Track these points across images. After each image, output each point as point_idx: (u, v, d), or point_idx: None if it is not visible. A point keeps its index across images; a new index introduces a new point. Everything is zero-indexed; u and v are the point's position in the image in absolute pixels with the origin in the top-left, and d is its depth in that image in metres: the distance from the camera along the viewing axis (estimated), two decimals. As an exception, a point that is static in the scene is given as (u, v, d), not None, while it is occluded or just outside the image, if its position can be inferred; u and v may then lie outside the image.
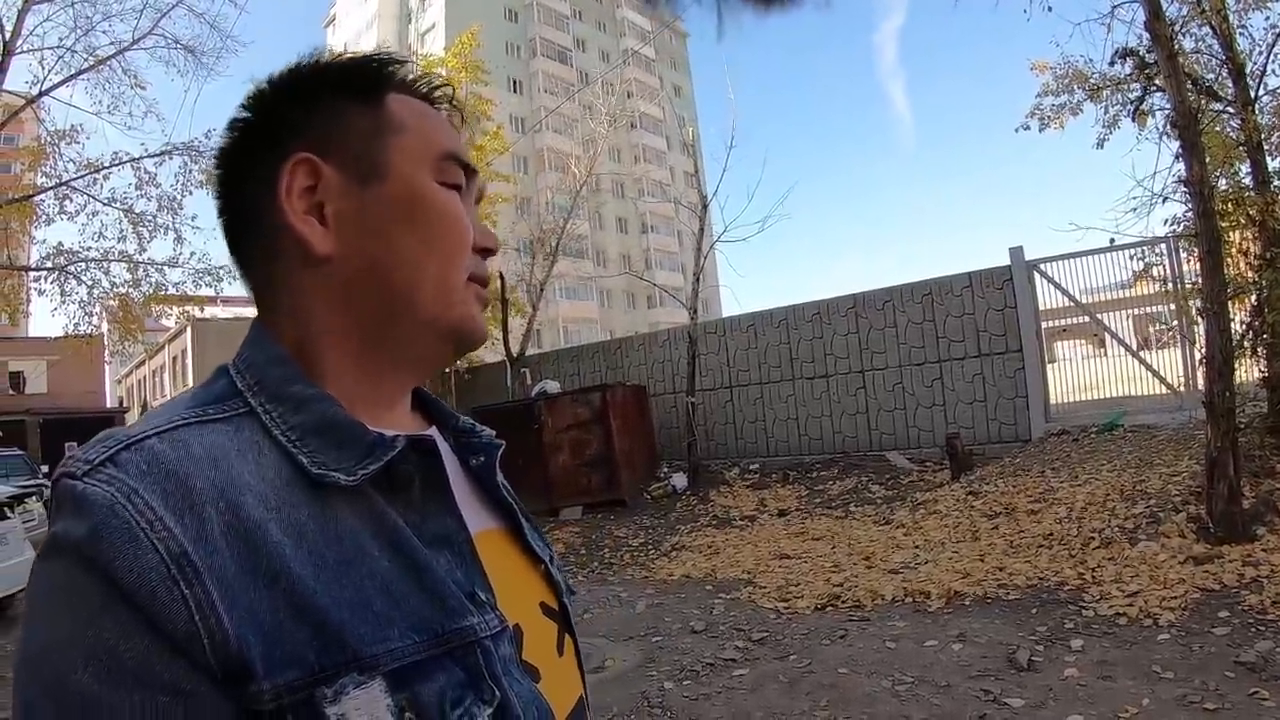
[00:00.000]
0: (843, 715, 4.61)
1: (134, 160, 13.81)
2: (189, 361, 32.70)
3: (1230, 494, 6.24)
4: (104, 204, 13.79)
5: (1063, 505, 7.74)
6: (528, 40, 56.14)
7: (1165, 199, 7.35)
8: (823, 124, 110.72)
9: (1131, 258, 9.86)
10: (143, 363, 40.27)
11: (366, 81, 0.71)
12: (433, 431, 0.75)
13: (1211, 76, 8.35)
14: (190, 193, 14.15)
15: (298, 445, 0.60)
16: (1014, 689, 4.71)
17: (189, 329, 30.99)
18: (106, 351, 16.70)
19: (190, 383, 31.65)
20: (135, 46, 13.49)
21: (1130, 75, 8.34)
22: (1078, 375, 11.55)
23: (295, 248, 0.66)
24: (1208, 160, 8.10)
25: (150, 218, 14.07)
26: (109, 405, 34.60)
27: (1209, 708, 4.11)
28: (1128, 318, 11.23)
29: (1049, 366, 11.69)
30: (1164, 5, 6.75)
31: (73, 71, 13.08)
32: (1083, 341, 12.51)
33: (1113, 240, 8.37)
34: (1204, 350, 6.51)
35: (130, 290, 14.38)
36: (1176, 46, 6.51)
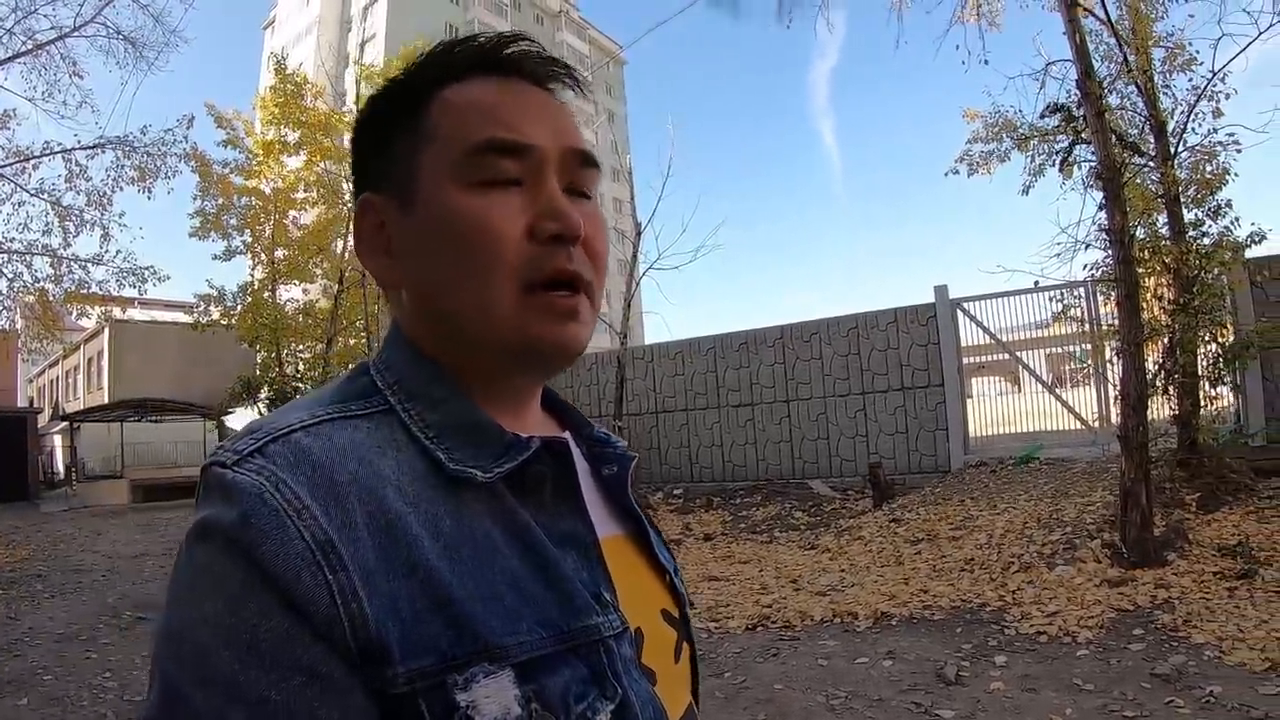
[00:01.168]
0: (782, 727, 4.60)
1: (65, 151, 13.23)
2: (105, 364, 31.33)
3: (1143, 522, 6.52)
4: (31, 194, 13.16)
5: (983, 532, 7.96)
6: (467, 59, 56.18)
7: (1087, 246, 7.73)
8: (756, 158, 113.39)
9: (1051, 299, 10.33)
10: (57, 362, 38.15)
11: (407, 97, 0.68)
12: (566, 436, 0.72)
13: (1135, 132, 8.88)
14: (120, 189, 13.62)
15: (435, 442, 0.60)
16: (944, 701, 4.79)
17: (107, 330, 29.59)
18: (21, 349, 15.73)
19: (105, 385, 30.40)
20: (76, 33, 12.95)
21: (1058, 128, 8.81)
22: (995, 410, 11.97)
23: (374, 279, 0.70)
24: (1129, 211, 8.60)
25: (78, 212, 13.47)
26: (19, 404, 32.37)
27: (1129, 715, 4.26)
28: (1043, 356, 11.70)
29: (968, 402, 12.10)
30: (1095, 64, 7.16)
31: (9, 54, 12.52)
32: (999, 378, 12.99)
33: (1037, 283, 8.78)
34: (1120, 388, 6.82)
35: (51, 286, 13.73)
36: (1104, 104, 6.89)
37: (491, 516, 0.59)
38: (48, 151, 13.17)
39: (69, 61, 13.22)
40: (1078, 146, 8.01)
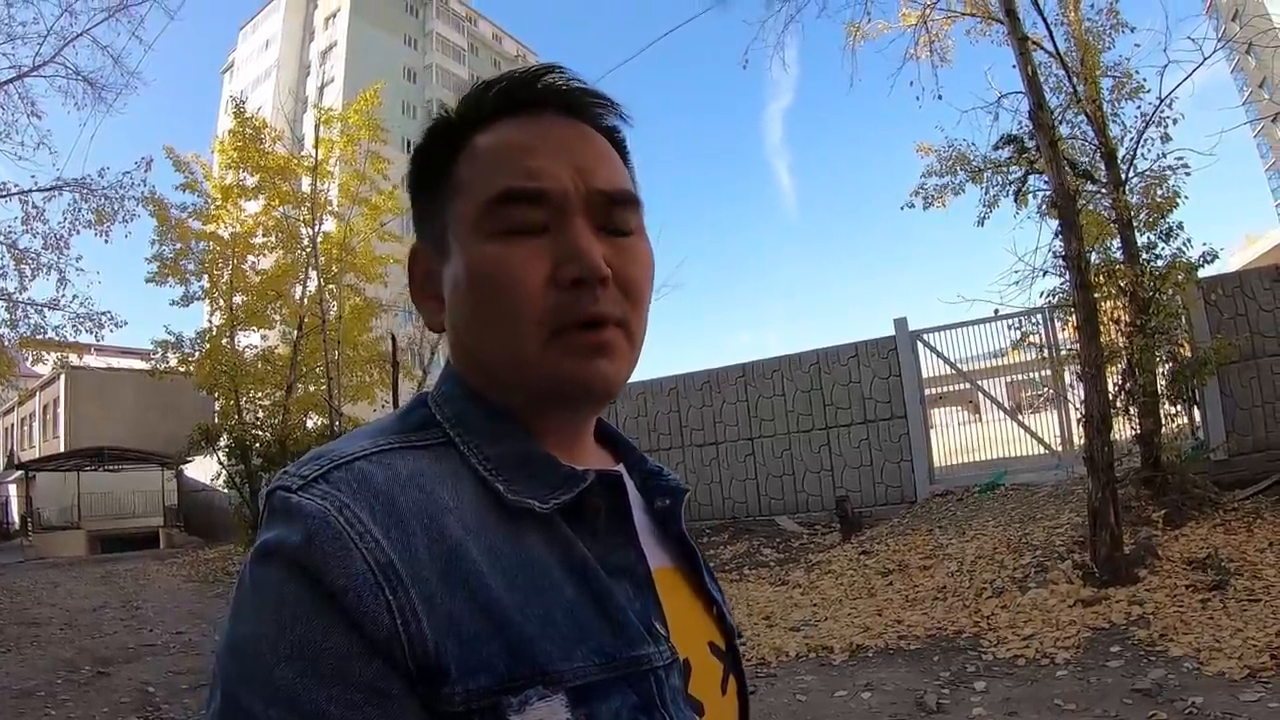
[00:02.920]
0: (764, 764, 4.45)
1: (22, 193, 12.83)
2: (61, 411, 30.45)
3: (1113, 540, 6.54)
4: None
5: (953, 560, 7.92)
6: (424, 102, 55.98)
7: (1045, 273, 7.84)
8: (713, 197, 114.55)
9: (1010, 327, 10.45)
10: (11, 410, 36.98)
11: (442, 146, 0.70)
12: (620, 469, 0.74)
13: (1086, 160, 9.08)
14: (78, 232, 13.23)
15: (494, 474, 0.61)
16: (926, 730, 4.67)
17: (63, 377, 28.97)
18: None
19: (62, 433, 29.53)
20: (35, 73, 12.66)
21: (1011, 159, 9.00)
22: (958, 439, 12.00)
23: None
24: (1084, 237, 8.76)
25: (34, 255, 13.02)
26: None
27: None
28: (1003, 384, 11.79)
29: (931, 432, 12.15)
30: (1045, 95, 7.32)
31: None
32: (959, 408, 13.06)
33: (996, 311, 8.87)
34: (1083, 410, 6.86)
35: (6, 330, 13.27)
36: (1056, 134, 7.04)
37: (548, 546, 0.60)
38: (4, 193, 12.80)
39: (27, 101, 12.85)
40: (1031, 176, 8.14)
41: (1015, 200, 8.09)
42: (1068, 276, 6.85)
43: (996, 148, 8.05)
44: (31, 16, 15.85)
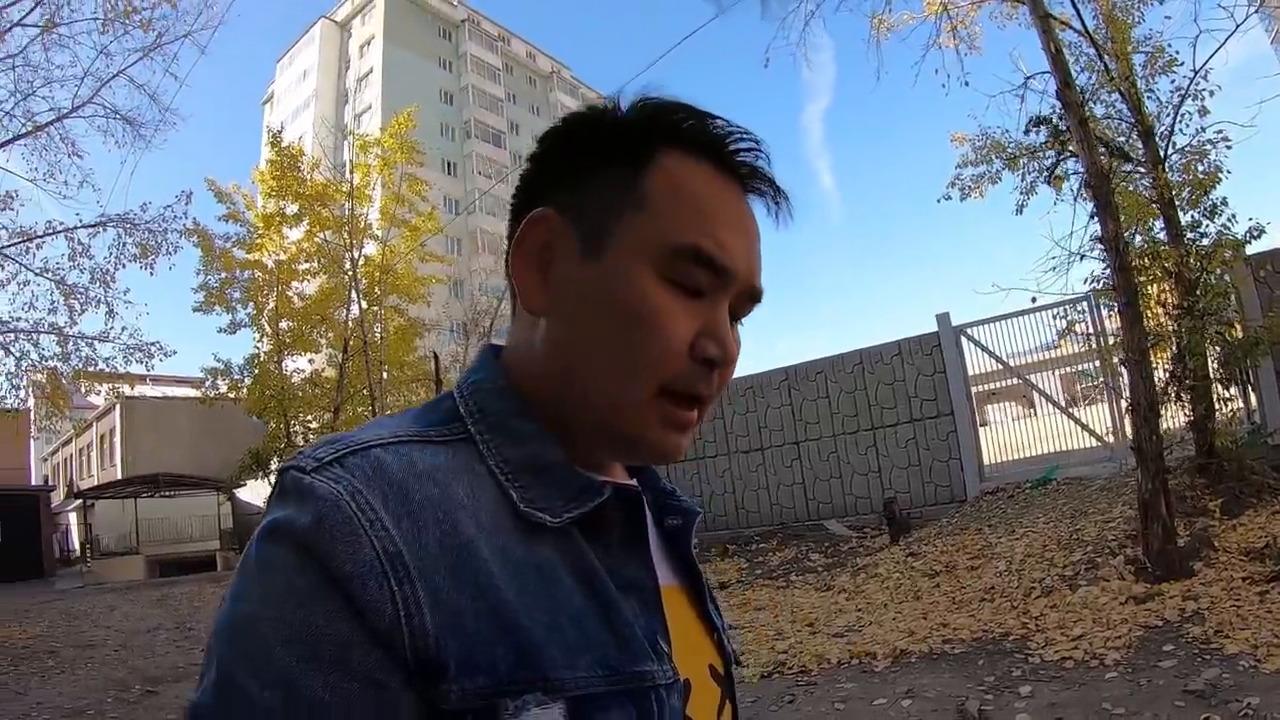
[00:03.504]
0: (794, 776, 4.35)
1: (68, 230, 13.32)
2: (117, 440, 31.50)
3: (1165, 533, 6.27)
4: (35, 274, 13.20)
5: (1001, 559, 7.69)
6: (462, 123, 56.93)
7: (1083, 256, 7.58)
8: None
9: (1055, 316, 10.12)
10: (70, 440, 38.43)
11: (634, 142, 0.66)
12: (633, 482, 0.74)
13: (1123, 139, 8.79)
14: (123, 266, 13.68)
15: (510, 479, 0.61)
16: (967, 738, 4.53)
17: (118, 407, 29.84)
18: (33, 427, 15.75)
19: (119, 462, 30.38)
20: (74, 114, 13.12)
21: (1045, 143, 8.74)
22: (1010, 435, 11.68)
23: (519, 294, 0.68)
24: (1123, 219, 8.46)
25: (82, 290, 13.48)
26: (34, 483, 32.56)
27: None
28: (1055, 376, 11.43)
29: (982, 429, 11.86)
30: (1074, 74, 7.10)
31: (10, 136, 12.67)
32: (1013, 403, 12.73)
33: (1034, 299, 8.60)
34: (1129, 398, 6.61)
35: (59, 364, 13.70)
36: (1087, 112, 6.83)
37: (560, 553, 0.60)
38: (50, 231, 13.23)
39: (68, 142, 13.31)
40: (1065, 158, 7.88)
41: (1049, 184, 7.83)
42: (1107, 259, 6.59)
43: (1026, 131, 7.82)
44: (68, 59, 16.40)
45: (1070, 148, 7.77)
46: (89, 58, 13.72)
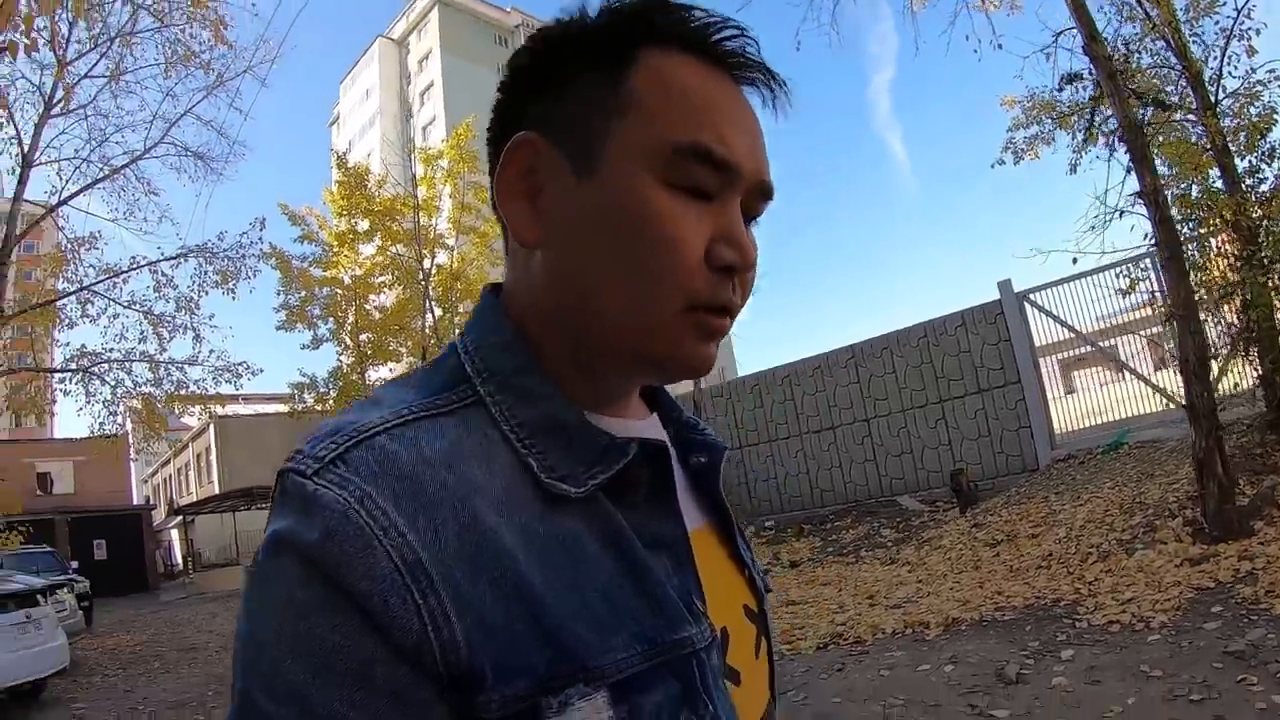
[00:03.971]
0: (833, 741, 4.55)
1: (151, 264, 14.38)
2: (213, 458, 33.19)
3: (1221, 493, 6.17)
4: (124, 306, 14.30)
5: (1063, 526, 7.64)
6: (527, 125, 58.10)
7: (1122, 213, 7.40)
8: (825, 181, 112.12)
9: (1118, 275, 9.86)
10: (168, 461, 40.87)
11: (609, 40, 0.60)
12: (654, 420, 0.72)
13: (1171, 87, 8.53)
14: (206, 293, 14.67)
15: (527, 444, 0.57)
16: (1002, 701, 4.64)
17: (212, 427, 31.43)
18: (131, 450, 16.95)
19: (215, 479, 32.01)
20: (147, 155, 14.19)
21: (1094, 98, 8.52)
22: (1090, 402, 11.41)
23: (510, 228, 0.63)
24: (1176, 169, 8.23)
25: (169, 318, 14.58)
26: (135, 503, 34.87)
27: (1194, 699, 4.04)
28: (1139, 339, 11.05)
29: (1070, 397, 11.65)
30: (1100, 27, 6.97)
31: (89, 181, 13.77)
32: (1100, 369, 12.36)
33: (1075, 260, 8.40)
34: (1179, 355, 6.50)
35: (152, 389, 14.73)
36: (1116, 65, 6.71)
37: (584, 521, 0.57)
38: (135, 266, 14.31)
39: (144, 182, 14.44)
40: (1101, 113, 7.69)
41: (1086, 139, 7.65)
42: (1147, 213, 6.46)
43: (1060, 88, 7.65)
44: (136, 104, 17.64)
45: (1101, 102, 7.57)
46: (156, 100, 14.88)
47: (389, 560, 0.48)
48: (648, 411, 0.72)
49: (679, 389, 15.96)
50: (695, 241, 0.58)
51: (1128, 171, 7.00)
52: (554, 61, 0.62)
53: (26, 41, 5.55)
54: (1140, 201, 6.51)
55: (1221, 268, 7.93)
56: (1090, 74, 6.93)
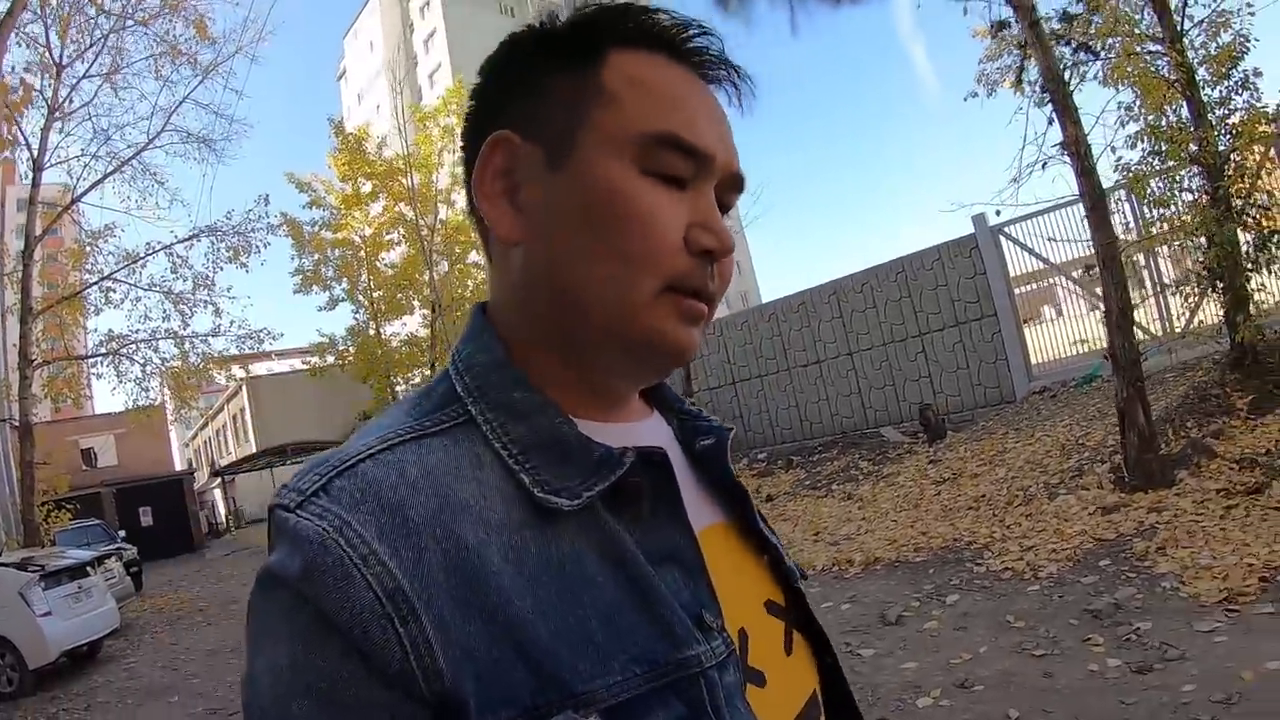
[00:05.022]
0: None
1: (165, 248, 15.34)
2: (248, 418, 34.24)
3: (1142, 442, 6.20)
4: (144, 290, 15.34)
5: (1005, 466, 7.77)
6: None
7: (1044, 164, 7.23)
8: (852, 102, 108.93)
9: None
10: (206, 424, 42.39)
11: (579, 41, 0.62)
12: (656, 419, 0.72)
13: (1138, 15, 8.16)
14: (220, 269, 15.65)
15: (520, 461, 0.57)
16: (874, 641, 4.96)
17: (244, 388, 32.62)
18: (170, 416, 18.15)
19: (252, 437, 33.27)
20: (151, 146, 15.06)
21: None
22: (1062, 332, 11.28)
23: (491, 228, 0.64)
24: (1139, 105, 7.94)
25: (188, 296, 15.55)
26: (178, 468, 36.66)
27: (1037, 654, 4.29)
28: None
29: (1041, 326, 11.55)
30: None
31: (98, 176, 14.64)
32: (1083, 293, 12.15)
33: (998, 211, 8.24)
34: (1104, 305, 6.45)
35: (180, 363, 15.75)
36: (1036, 13, 6.52)
37: (584, 537, 0.56)
38: (150, 251, 15.32)
39: (151, 172, 15.34)
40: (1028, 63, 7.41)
41: (1015, 87, 7.41)
42: (1071, 163, 6.33)
43: (992, 36, 7.38)
44: (136, 96, 18.33)
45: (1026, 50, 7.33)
46: (154, 92, 15.88)
47: (369, 590, 0.48)
48: (649, 410, 0.72)
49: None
50: (672, 224, 0.59)
51: (1049, 123, 6.85)
52: (526, 65, 0.63)
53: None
54: (1064, 152, 6.37)
55: (1186, 202, 7.72)
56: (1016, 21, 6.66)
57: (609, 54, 0.61)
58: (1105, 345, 10.20)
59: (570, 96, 0.60)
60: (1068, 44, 7.46)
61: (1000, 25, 7.11)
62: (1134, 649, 3.99)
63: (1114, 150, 8.15)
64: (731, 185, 0.64)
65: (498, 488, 0.55)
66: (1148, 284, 9.76)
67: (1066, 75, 6.62)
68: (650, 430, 0.69)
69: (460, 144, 0.68)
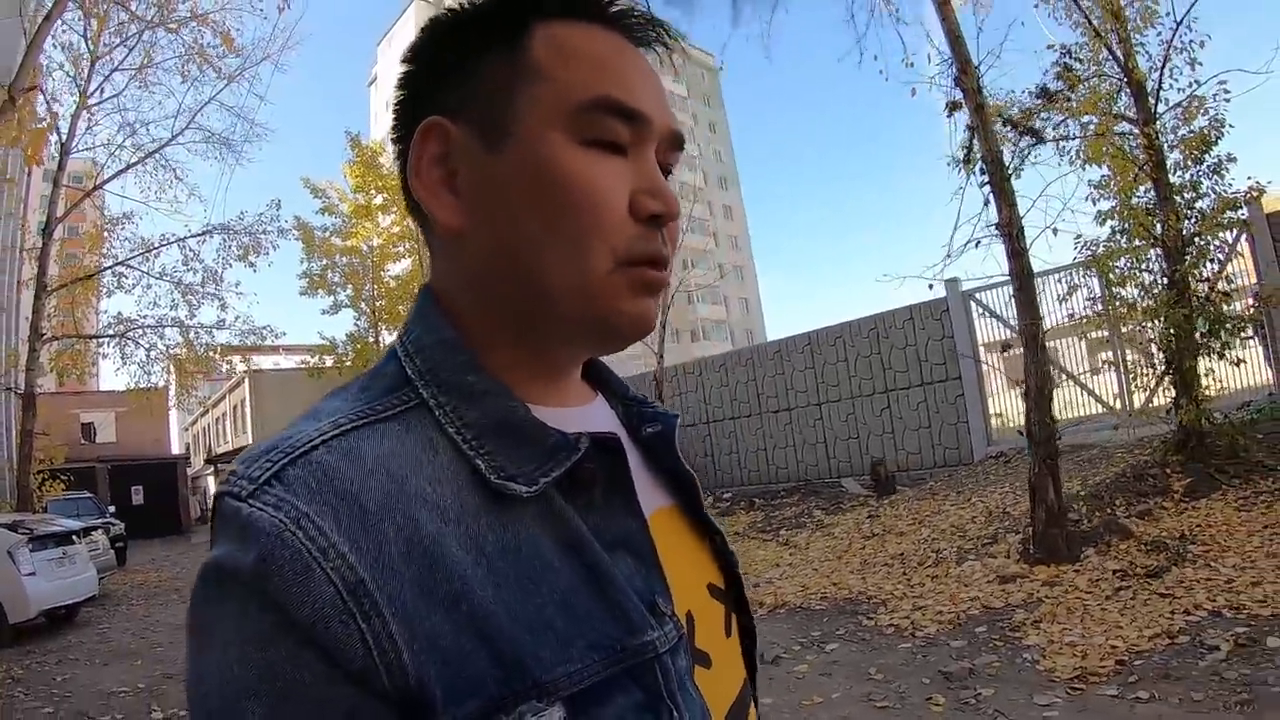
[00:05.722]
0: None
1: (180, 240, 16.05)
2: (248, 410, 34.77)
3: (1049, 517, 6.33)
4: (156, 278, 16.01)
5: (931, 527, 7.91)
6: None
7: (978, 243, 7.41)
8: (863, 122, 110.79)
9: (1059, 281, 9.81)
10: (206, 411, 42.95)
11: (502, 18, 0.61)
12: (600, 402, 0.71)
13: (1119, 95, 8.34)
14: (230, 265, 16.29)
15: (474, 446, 0.55)
16: (742, 681, 4.97)
17: (246, 381, 33.22)
18: (172, 399, 18.80)
19: (249, 428, 33.83)
20: (174, 142, 15.83)
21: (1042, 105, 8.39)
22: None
23: (432, 218, 0.61)
24: (1109, 183, 8.10)
25: (197, 288, 16.19)
26: (175, 452, 37.31)
27: (880, 705, 4.46)
28: (1081, 343, 10.96)
29: (1015, 391, 11.63)
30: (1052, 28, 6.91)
31: (123, 166, 15.46)
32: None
33: (931, 286, 8.39)
34: (1025, 382, 6.60)
35: (183, 351, 16.37)
36: (983, 97, 6.77)
37: (539, 524, 0.55)
38: (165, 242, 16.02)
39: (172, 168, 16.07)
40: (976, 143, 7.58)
41: (963, 165, 7.58)
42: (1005, 245, 6.53)
43: (948, 114, 7.58)
44: (164, 93, 19.28)
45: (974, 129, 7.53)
46: (181, 90, 16.98)
47: (329, 585, 0.46)
48: (593, 394, 0.71)
49: (639, 365, 16.39)
50: (616, 195, 0.58)
51: (985, 204, 7.07)
52: (449, 48, 0.62)
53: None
54: (1000, 233, 6.57)
55: (1131, 289, 7.87)
56: (967, 101, 6.86)
57: (534, 28, 0.60)
58: (1064, 415, 10.40)
59: (499, 75, 0.59)
60: (1014, 128, 7.69)
61: (954, 106, 7.31)
62: (969, 713, 4.15)
63: (1055, 233, 8.19)
64: (671, 144, 0.63)
65: (453, 474, 0.53)
66: (1112, 354, 9.83)
67: (1010, 160, 6.86)
68: (599, 415, 0.68)
69: (392, 135, 0.66)
